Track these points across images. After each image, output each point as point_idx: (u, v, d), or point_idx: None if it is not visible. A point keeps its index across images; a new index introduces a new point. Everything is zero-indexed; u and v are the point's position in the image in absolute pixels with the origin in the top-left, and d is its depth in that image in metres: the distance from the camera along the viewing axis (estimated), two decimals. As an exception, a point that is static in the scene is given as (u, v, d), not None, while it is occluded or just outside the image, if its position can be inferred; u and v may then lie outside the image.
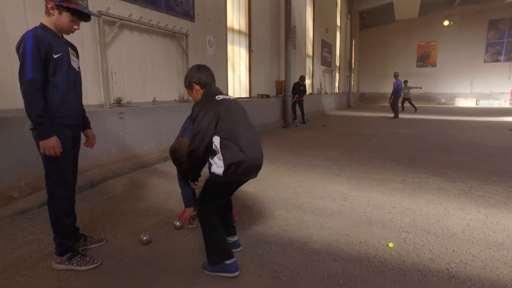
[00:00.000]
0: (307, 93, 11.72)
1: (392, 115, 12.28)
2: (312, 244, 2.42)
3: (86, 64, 3.95)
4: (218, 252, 1.99)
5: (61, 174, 2.02)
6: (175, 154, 2.31)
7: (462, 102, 21.38)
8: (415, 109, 14.61)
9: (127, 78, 4.62)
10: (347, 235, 2.58)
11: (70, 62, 2.03)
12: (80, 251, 2.17)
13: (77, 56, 2.16)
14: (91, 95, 4.09)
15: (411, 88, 15.07)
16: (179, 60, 5.71)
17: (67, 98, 2.00)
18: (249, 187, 3.67)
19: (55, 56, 1.93)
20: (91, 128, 2.37)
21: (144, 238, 2.38)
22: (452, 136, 7.78)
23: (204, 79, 2.15)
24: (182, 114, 5.64)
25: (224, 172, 1.88)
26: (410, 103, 14.86)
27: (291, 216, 2.96)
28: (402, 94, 13.22)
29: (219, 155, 1.89)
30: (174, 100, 5.64)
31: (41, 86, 1.87)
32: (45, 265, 2.10)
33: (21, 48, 1.84)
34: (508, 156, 5.50)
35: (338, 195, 3.51)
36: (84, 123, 2.32)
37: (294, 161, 5.20)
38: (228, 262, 1.97)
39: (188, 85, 2.20)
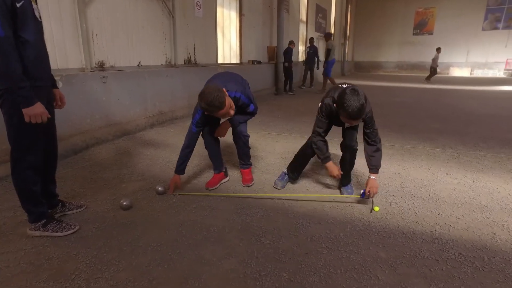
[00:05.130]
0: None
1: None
2: (297, 208, 2.39)
3: (64, 24, 3.70)
4: None
5: (33, 140, 1.84)
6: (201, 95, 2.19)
7: (457, 72, 21.15)
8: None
9: (109, 40, 4.37)
10: (333, 199, 2.55)
11: (33, 11, 1.76)
12: (57, 218, 2.09)
13: (37, 3, 1.85)
14: (71, 57, 3.86)
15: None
16: (166, 22, 5.41)
17: (40, 55, 1.78)
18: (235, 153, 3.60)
19: (18, 5, 1.62)
20: (58, 88, 2.11)
21: (124, 203, 2.31)
22: (445, 104, 7.72)
23: None
24: (169, 79, 5.46)
25: None
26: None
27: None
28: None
29: None
30: (160, 64, 5.41)
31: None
32: (20, 231, 2.03)
33: None
34: (498, 123, 5.48)
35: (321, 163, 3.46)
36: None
37: (284, 128, 5.12)
38: None
39: None
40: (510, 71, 19.74)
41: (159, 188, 2.57)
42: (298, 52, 12.71)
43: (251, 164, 2.91)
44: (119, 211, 2.31)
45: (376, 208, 2.34)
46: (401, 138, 4.41)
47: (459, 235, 2.01)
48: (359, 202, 2.47)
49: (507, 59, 20.18)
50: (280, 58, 9.55)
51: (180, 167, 2.57)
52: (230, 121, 2.61)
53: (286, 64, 9.58)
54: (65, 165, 3.30)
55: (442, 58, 21.92)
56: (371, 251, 1.85)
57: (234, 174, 3.06)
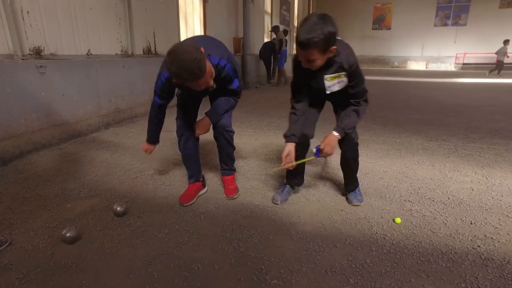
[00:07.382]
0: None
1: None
2: (300, 225, 1.88)
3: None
4: None
5: None
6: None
7: (414, 65, 22.03)
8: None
9: (47, 21, 3.54)
10: (341, 210, 2.07)
11: None
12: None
13: None
14: (-8, 40, 3.03)
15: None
16: (119, 4, 4.62)
17: None
18: (212, 154, 3.02)
19: None
20: None
21: (68, 234, 1.65)
22: (416, 95, 7.66)
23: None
24: (126, 71, 4.69)
25: None
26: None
27: (268, 189, 2.38)
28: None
29: None
30: (115, 54, 4.63)
31: None
32: None
33: None
34: (475, 113, 5.38)
35: (318, 160, 3.00)
36: None
37: (261, 123, 4.59)
38: None
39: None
40: (460, 65, 20.89)
41: (118, 208, 1.93)
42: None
43: (235, 170, 2.35)
44: (60, 245, 1.65)
45: (398, 220, 1.90)
46: (389, 132, 4.07)
47: (510, 251, 1.61)
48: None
49: (456, 54, 21.32)
50: (247, 50, 9.04)
51: (153, 138, 2.13)
52: (209, 111, 2.00)
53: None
54: (-12, 179, 2.52)
55: (400, 52, 22.80)
56: (415, 284, 1.38)
57: (212, 183, 2.49)
